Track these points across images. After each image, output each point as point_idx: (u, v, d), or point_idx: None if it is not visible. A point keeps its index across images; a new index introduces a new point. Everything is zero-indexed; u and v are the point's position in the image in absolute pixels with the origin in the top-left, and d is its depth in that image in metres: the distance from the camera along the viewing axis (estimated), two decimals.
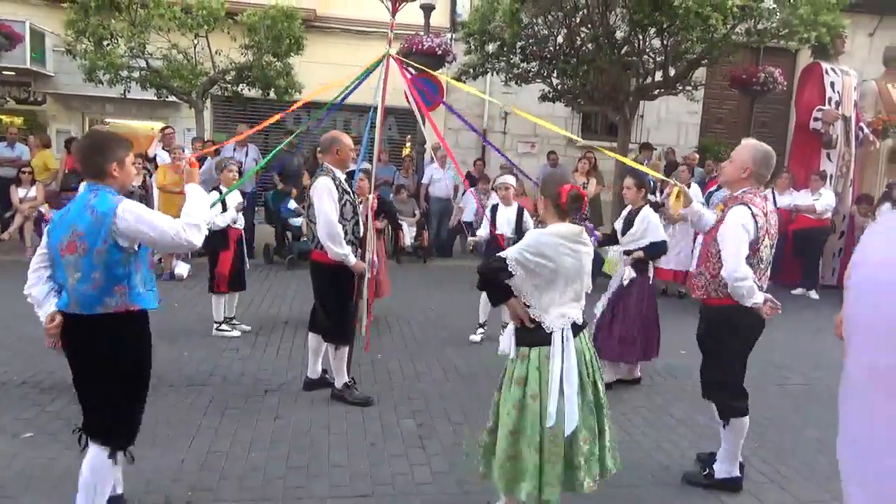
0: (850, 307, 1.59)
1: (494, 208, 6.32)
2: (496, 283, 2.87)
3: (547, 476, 2.78)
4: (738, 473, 3.67)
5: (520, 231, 6.09)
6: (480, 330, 6.39)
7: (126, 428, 2.86)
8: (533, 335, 2.85)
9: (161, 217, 2.77)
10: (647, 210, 5.10)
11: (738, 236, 3.31)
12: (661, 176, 6.59)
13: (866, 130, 10.22)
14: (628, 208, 5.27)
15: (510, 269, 2.79)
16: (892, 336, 1.38)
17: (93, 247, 2.64)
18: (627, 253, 5.12)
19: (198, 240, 2.79)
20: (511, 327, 2.96)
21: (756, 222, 3.33)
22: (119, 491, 3.10)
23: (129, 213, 2.67)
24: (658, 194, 8.13)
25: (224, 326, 6.09)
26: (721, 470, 3.65)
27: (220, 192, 5.84)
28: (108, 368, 2.75)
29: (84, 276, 2.66)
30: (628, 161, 6.37)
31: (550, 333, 2.83)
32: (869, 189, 10.69)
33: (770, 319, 3.44)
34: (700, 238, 7.75)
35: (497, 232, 6.17)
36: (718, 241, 3.41)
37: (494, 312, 6.34)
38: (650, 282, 5.20)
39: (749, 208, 3.35)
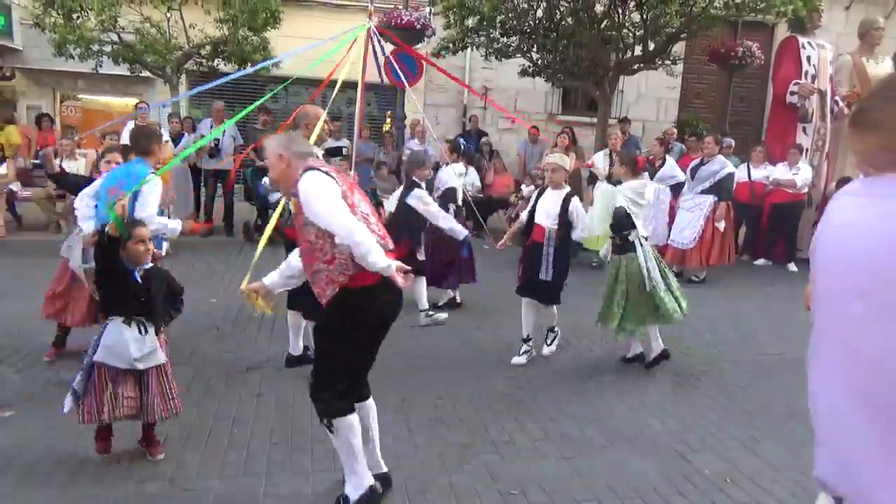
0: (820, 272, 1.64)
1: (540, 193, 5.18)
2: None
3: (630, 316, 4.87)
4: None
5: (564, 219, 4.94)
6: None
7: None
8: (622, 247, 4.91)
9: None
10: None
11: None
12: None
13: (841, 104, 10.30)
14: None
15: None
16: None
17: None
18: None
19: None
20: (609, 242, 5.06)
21: None
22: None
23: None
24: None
25: None
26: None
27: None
28: None
29: None
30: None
31: (633, 243, 4.84)
32: (843, 164, 10.83)
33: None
34: (683, 215, 7.96)
35: (536, 221, 5.06)
36: None
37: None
38: None
39: None
